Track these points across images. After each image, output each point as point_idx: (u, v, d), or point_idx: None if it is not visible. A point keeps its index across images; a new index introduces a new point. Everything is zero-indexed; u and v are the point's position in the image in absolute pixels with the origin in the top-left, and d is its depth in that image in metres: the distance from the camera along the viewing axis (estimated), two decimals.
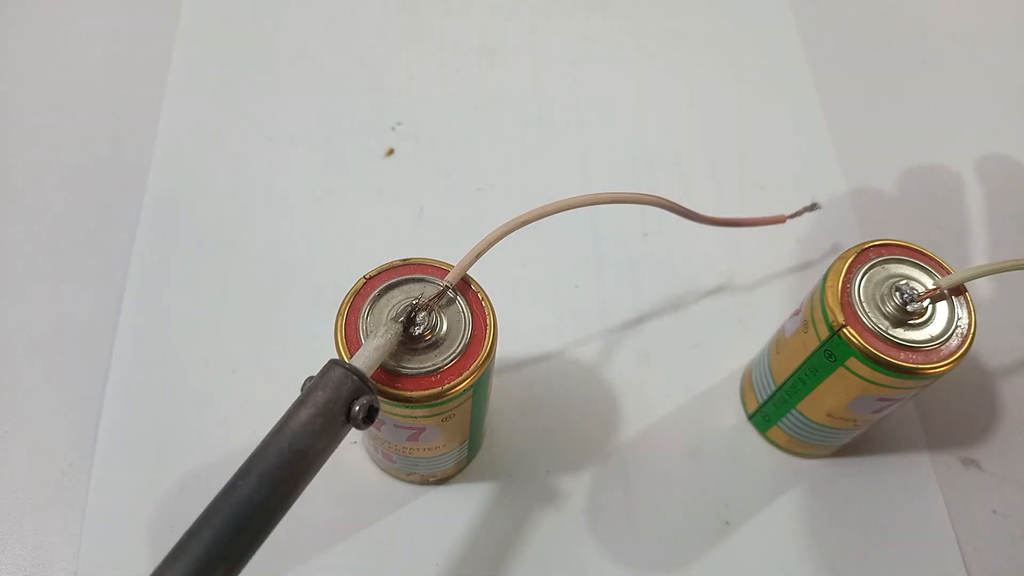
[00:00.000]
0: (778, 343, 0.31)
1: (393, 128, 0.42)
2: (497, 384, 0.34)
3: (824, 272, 0.28)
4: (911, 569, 0.32)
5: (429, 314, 0.24)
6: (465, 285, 0.25)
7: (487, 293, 0.26)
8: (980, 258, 0.40)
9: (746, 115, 0.44)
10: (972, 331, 0.27)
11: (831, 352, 0.27)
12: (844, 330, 0.26)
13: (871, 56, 0.47)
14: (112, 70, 0.43)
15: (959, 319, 0.27)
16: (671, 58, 0.46)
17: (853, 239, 0.39)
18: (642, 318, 0.37)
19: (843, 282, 0.27)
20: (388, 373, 0.24)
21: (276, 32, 0.45)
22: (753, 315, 0.37)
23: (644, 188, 0.41)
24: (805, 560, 0.32)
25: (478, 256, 0.25)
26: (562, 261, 0.38)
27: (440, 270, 0.26)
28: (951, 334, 0.26)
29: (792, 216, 0.36)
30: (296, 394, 0.22)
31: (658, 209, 0.30)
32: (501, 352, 0.27)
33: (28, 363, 0.34)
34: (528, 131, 0.42)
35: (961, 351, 0.26)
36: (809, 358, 0.29)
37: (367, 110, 0.42)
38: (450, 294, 0.25)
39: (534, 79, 0.44)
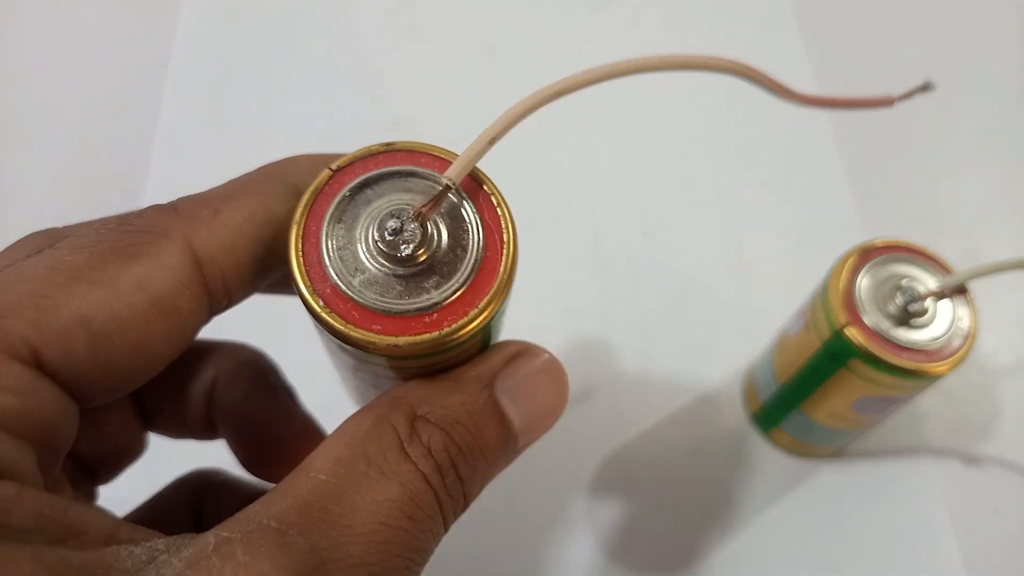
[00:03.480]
0: (780, 343, 0.31)
1: (393, 128, 0.42)
2: None
3: (826, 272, 0.28)
4: (911, 569, 0.32)
5: (423, 225, 0.17)
6: (475, 184, 0.18)
7: (504, 197, 0.18)
8: (981, 258, 0.40)
9: (748, 114, 0.44)
10: (973, 331, 0.27)
11: (833, 353, 0.27)
12: (846, 330, 0.26)
13: (873, 55, 0.47)
14: (112, 70, 0.43)
15: (960, 319, 0.27)
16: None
17: (855, 239, 0.39)
18: (642, 318, 0.37)
19: (845, 282, 0.27)
20: (365, 311, 0.16)
21: (276, 31, 0.45)
22: (754, 315, 0.37)
23: (644, 185, 0.41)
24: (805, 560, 0.31)
25: (493, 142, 0.17)
26: (562, 261, 0.38)
27: (439, 161, 0.18)
28: (952, 334, 0.26)
29: (901, 98, 0.30)
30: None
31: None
32: None
33: None
34: (528, 130, 0.42)
35: (962, 351, 0.26)
36: (811, 359, 0.28)
37: (367, 109, 0.42)
38: (453, 196, 0.17)
39: (534, 77, 0.44)
